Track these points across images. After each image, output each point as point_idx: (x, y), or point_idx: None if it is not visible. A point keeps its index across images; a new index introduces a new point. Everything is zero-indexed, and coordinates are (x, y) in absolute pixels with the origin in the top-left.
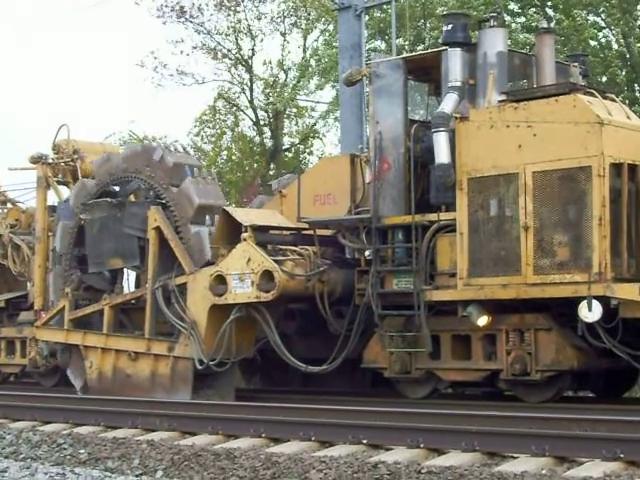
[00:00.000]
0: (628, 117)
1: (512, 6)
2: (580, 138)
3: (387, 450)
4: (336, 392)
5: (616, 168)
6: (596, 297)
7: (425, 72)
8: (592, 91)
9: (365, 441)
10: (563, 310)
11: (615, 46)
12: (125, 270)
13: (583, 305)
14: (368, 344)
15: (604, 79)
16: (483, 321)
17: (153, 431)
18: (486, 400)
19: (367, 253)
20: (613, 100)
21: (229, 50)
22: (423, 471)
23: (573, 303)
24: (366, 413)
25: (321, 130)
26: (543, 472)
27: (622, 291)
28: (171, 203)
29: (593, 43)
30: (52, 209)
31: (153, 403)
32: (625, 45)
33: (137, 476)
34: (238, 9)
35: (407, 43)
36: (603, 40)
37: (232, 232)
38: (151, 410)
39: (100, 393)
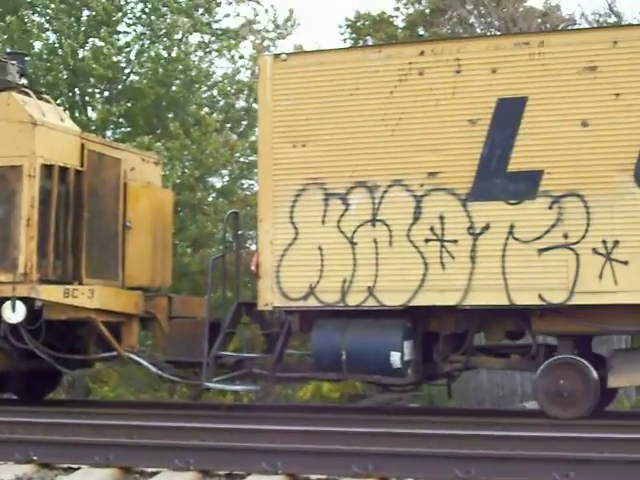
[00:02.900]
0: (62, 119)
1: None
2: (13, 137)
3: None
4: None
5: (47, 169)
6: (20, 298)
7: None
8: (27, 91)
9: None
10: None
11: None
12: None
13: (7, 306)
14: None
15: (48, 81)
16: None
17: None
18: None
19: None
20: (48, 101)
21: None
22: None
23: None
24: None
25: None
26: None
27: (47, 293)
28: None
29: (39, 44)
30: None
31: None
32: (69, 49)
33: None
34: None
35: None
36: (49, 42)
37: None
38: None
39: None
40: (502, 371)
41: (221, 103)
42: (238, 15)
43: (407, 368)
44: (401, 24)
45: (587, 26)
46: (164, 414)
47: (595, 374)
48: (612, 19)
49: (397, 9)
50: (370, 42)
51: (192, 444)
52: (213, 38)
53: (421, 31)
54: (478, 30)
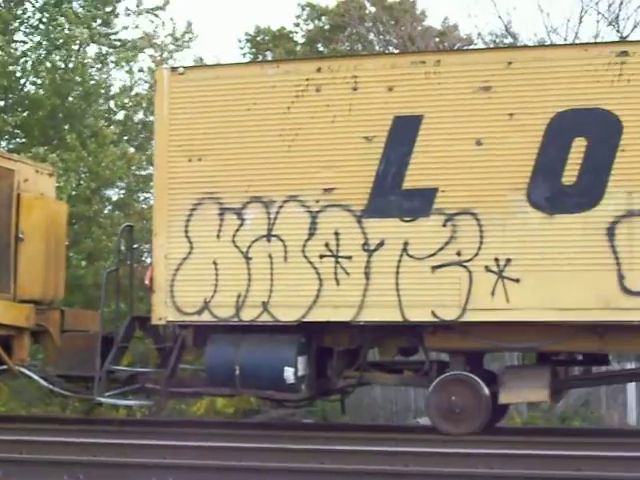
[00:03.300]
0: None
1: None
2: None
3: None
4: None
5: None
6: None
7: None
8: None
9: None
10: None
11: None
12: None
13: None
14: None
15: None
16: None
17: None
18: None
19: None
20: None
21: None
22: None
23: None
24: None
25: None
26: None
27: None
28: None
29: None
30: None
31: None
32: None
33: None
34: None
35: None
36: None
37: None
38: None
39: None
40: (396, 387)
41: (119, 116)
42: (137, 27)
43: (301, 384)
44: (301, 40)
45: (484, 46)
46: (55, 429)
47: (486, 390)
48: (508, 40)
49: (297, 25)
50: (269, 57)
51: (82, 459)
52: (111, 50)
53: (320, 47)
54: (377, 48)
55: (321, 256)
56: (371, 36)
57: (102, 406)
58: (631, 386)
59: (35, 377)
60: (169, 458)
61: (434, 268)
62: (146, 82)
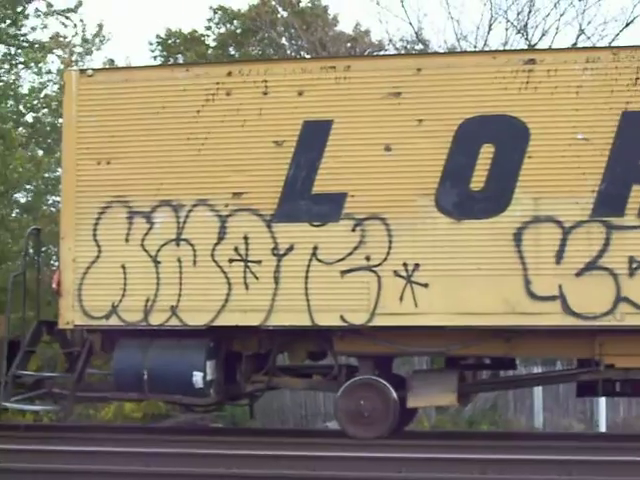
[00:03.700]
0: None
1: None
2: None
3: None
4: None
5: None
6: None
7: None
8: None
9: None
10: None
11: None
12: None
13: None
14: None
15: None
16: None
17: None
18: None
19: None
20: None
21: None
22: None
23: None
24: None
25: None
26: None
27: None
28: None
29: None
30: None
31: None
32: None
33: None
34: None
35: None
36: None
37: None
38: None
39: None
40: (305, 391)
41: (28, 117)
42: (46, 27)
43: (209, 388)
44: (212, 43)
45: (395, 52)
46: None
47: (395, 394)
48: (419, 46)
49: (208, 28)
50: (181, 60)
51: None
52: (20, 50)
53: (232, 51)
54: (289, 52)
55: (230, 260)
56: (283, 40)
57: (8, 411)
58: (538, 390)
59: None
60: (76, 464)
61: (343, 273)
62: (55, 84)
